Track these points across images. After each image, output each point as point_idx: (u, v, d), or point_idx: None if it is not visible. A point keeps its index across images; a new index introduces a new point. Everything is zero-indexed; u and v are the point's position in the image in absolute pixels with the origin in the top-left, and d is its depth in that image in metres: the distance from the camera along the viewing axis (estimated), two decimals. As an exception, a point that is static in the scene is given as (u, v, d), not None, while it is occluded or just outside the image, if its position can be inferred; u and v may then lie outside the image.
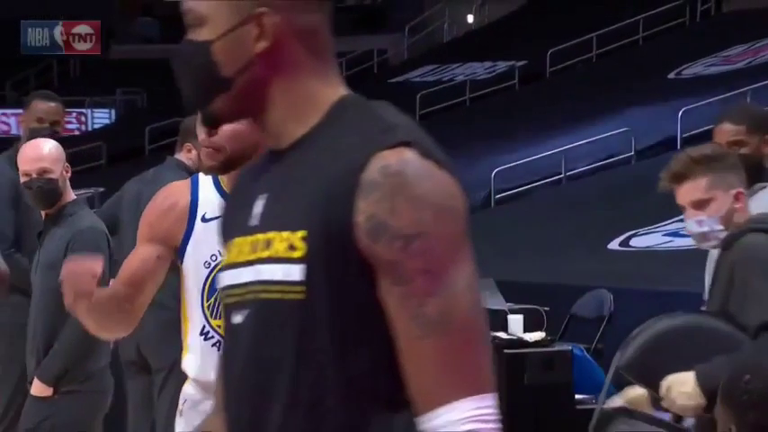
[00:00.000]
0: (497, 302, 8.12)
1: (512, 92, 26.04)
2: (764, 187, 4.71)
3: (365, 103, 2.06)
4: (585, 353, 8.08)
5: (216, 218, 3.23)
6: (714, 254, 4.22)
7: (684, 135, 19.88)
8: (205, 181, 3.34)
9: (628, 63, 24.80)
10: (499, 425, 1.93)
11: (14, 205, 5.66)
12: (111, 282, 3.76)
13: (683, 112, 19.97)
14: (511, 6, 32.07)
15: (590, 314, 8.33)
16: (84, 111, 33.21)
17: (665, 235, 14.59)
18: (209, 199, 3.31)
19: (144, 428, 5.69)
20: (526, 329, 7.23)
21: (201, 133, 3.23)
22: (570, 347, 7.01)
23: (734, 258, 3.96)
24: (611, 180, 18.08)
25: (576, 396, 6.95)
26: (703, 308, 4.33)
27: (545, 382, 6.73)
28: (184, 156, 5.88)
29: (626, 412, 3.86)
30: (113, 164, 27.13)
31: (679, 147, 19.79)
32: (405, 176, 1.94)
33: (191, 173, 5.67)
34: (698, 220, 4.10)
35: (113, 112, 33.91)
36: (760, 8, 25.15)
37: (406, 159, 1.95)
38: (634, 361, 3.97)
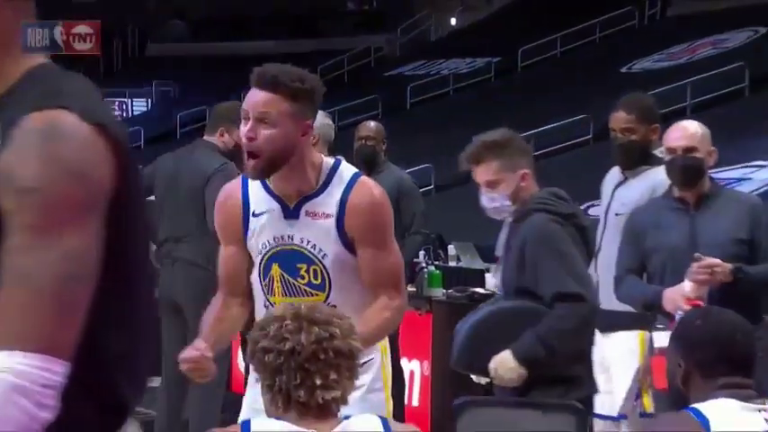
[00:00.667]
0: (476, 263, 8.12)
1: (488, 84, 26.02)
2: (648, 170, 4.70)
3: (54, 73, 1.82)
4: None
5: (263, 213, 3.20)
6: (509, 221, 4.28)
7: (635, 120, 19.86)
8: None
9: (586, 59, 24.78)
10: (46, 390, 1.64)
11: None
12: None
13: (634, 101, 19.93)
14: (487, 11, 32.04)
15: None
16: (125, 100, 33.12)
17: (618, 205, 14.60)
18: (258, 196, 3.22)
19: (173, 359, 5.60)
20: (500, 285, 7.21)
21: (241, 138, 3.11)
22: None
23: (525, 236, 4.05)
24: (572, 159, 18.09)
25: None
26: (498, 264, 4.36)
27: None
28: (218, 139, 5.61)
29: (473, 403, 3.91)
30: (150, 145, 27.08)
31: (630, 130, 19.80)
32: (44, 133, 1.69)
33: (223, 154, 5.58)
34: (490, 197, 4.16)
35: (150, 101, 33.82)
36: (699, 12, 25.14)
37: (54, 119, 1.70)
38: (460, 358, 4.04)
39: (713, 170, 4.50)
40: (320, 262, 3.16)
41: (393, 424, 2.51)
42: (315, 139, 4.84)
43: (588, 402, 4.03)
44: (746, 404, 2.52)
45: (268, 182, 3.20)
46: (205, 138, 5.69)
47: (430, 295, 7.13)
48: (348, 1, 36.64)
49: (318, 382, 2.42)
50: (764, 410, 2.52)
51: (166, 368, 5.63)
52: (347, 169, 3.22)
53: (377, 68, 30.88)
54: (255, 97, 3.08)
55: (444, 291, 7.19)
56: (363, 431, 2.45)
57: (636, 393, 4.59)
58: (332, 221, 3.15)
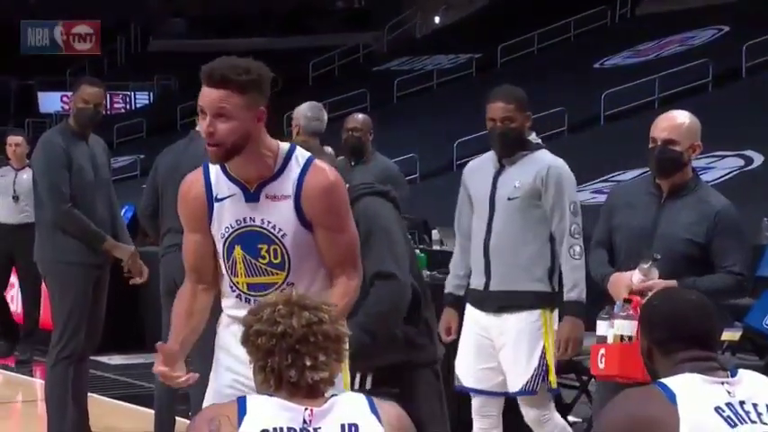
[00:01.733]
0: (453, 244, 8.12)
1: (469, 79, 26.02)
2: (526, 155, 4.68)
3: None
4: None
5: (226, 197, 3.20)
6: None
7: (606, 113, 19.90)
8: (213, 167, 3.25)
9: (561, 56, 24.79)
10: None
11: (68, 169, 5.53)
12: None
13: (605, 94, 19.97)
14: (469, 10, 32.02)
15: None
16: (128, 93, 33.06)
17: (592, 192, 14.63)
18: (219, 182, 3.22)
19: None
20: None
21: (203, 130, 3.15)
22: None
23: (357, 219, 4.04)
24: (548, 149, 18.07)
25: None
26: None
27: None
28: None
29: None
30: (151, 135, 27.03)
31: (602, 123, 19.81)
32: None
33: None
34: None
35: (152, 94, 33.75)
36: (666, 12, 25.20)
37: None
38: None
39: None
40: (280, 241, 3.15)
41: (378, 402, 2.52)
42: (297, 130, 4.77)
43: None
44: (708, 377, 2.54)
45: (228, 168, 3.21)
46: (199, 128, 5.61)
47: (415, 276, 7.13)
48: (338, 0, 36.57)
49: (308, 363, 2.44)
50: (727, 383, 2.54)
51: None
52: (302, 154, 3.23)
53: (365, 64, 30.86)
54: (209, 95, 3.11)
55: (428, 272, 7.20)
56: (350, 409, 2.46)
57: (545, 370, 4.49)
58: (290, 202, 3.15)
